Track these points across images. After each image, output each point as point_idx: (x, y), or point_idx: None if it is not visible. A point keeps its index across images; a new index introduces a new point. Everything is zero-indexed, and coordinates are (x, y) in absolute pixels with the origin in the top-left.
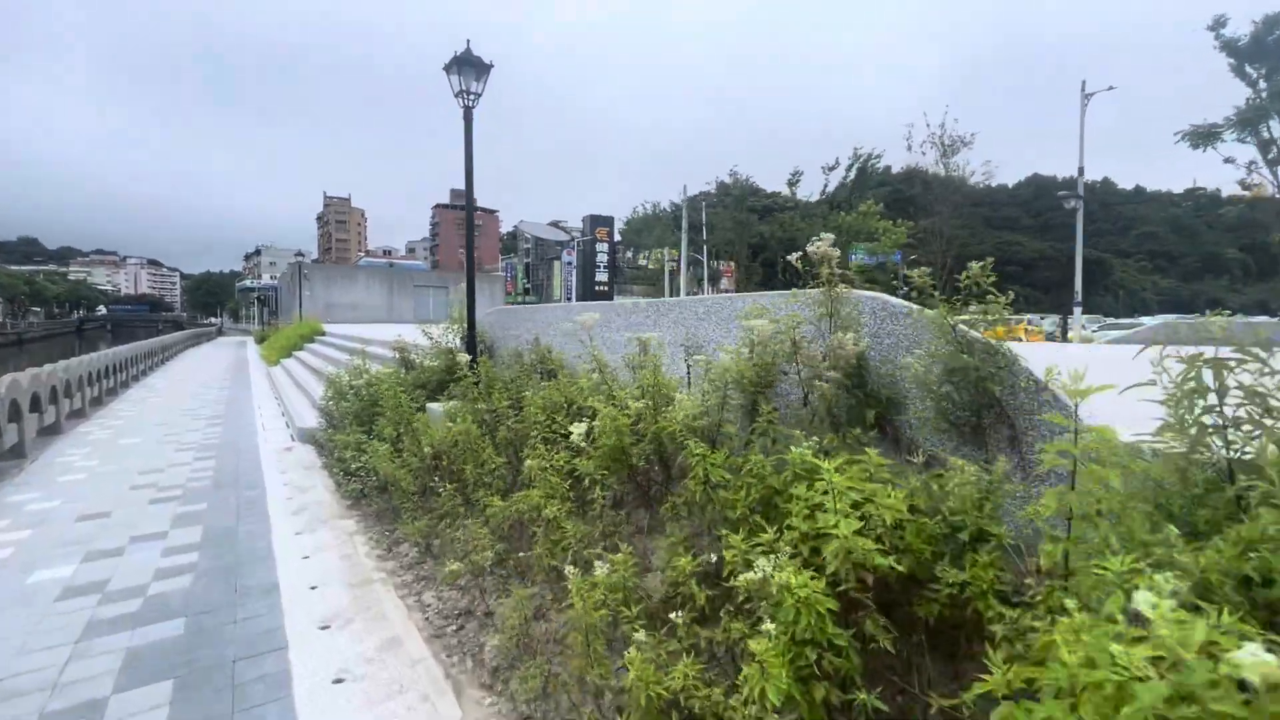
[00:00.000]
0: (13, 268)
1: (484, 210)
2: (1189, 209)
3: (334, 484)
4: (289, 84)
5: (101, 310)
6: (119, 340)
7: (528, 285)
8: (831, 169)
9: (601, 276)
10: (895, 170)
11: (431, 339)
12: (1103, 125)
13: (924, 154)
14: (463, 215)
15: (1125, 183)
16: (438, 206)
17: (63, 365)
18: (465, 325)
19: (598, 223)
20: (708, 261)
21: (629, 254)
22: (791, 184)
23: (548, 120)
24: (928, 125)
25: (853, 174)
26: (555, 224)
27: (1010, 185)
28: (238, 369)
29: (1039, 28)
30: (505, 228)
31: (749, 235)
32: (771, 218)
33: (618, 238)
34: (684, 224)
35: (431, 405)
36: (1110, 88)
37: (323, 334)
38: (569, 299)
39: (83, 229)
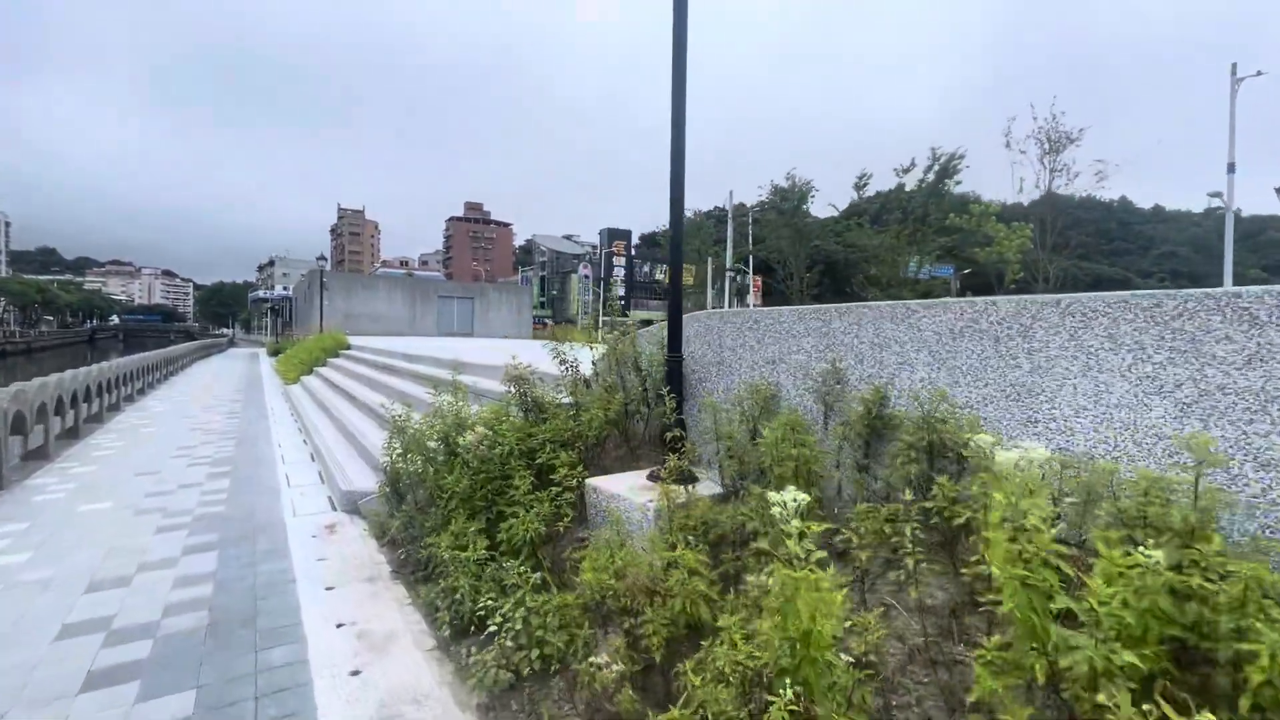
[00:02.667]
0: (28, 276)
1: (497, 223)
2: (1209, 228)
3: (427, 625)
4: (309, 97)
5: (114, 320)
6: (130, 350)
7: (542, 300)
8: (907, 170)
9: (618, 291)
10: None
11: (566, 364)
12: (1122, 144)
13: (1023, 152)
14: (476, 227)
15: (1143, 202)
16: (451, 219)
17: (14, 389)
18: (660, 346)
19: (615, 236)
20: (752, 274)
21: (645, 268)
22: (859, 187)
23: (565, 130)
24: (1034, 118)
25: (931, 175)
26: (569, 238)
27: (1025, 203)
28: (251, 387)
29: (1045, 44)
30: (517, 240)
31: (807, 245)
32: (837, 225)
33: (636, 243)
34: (729, 232)
35: (597, 481)
36: (1259, 72)
37: (347, 348)
38: (586, 314)
39: (100, 239)
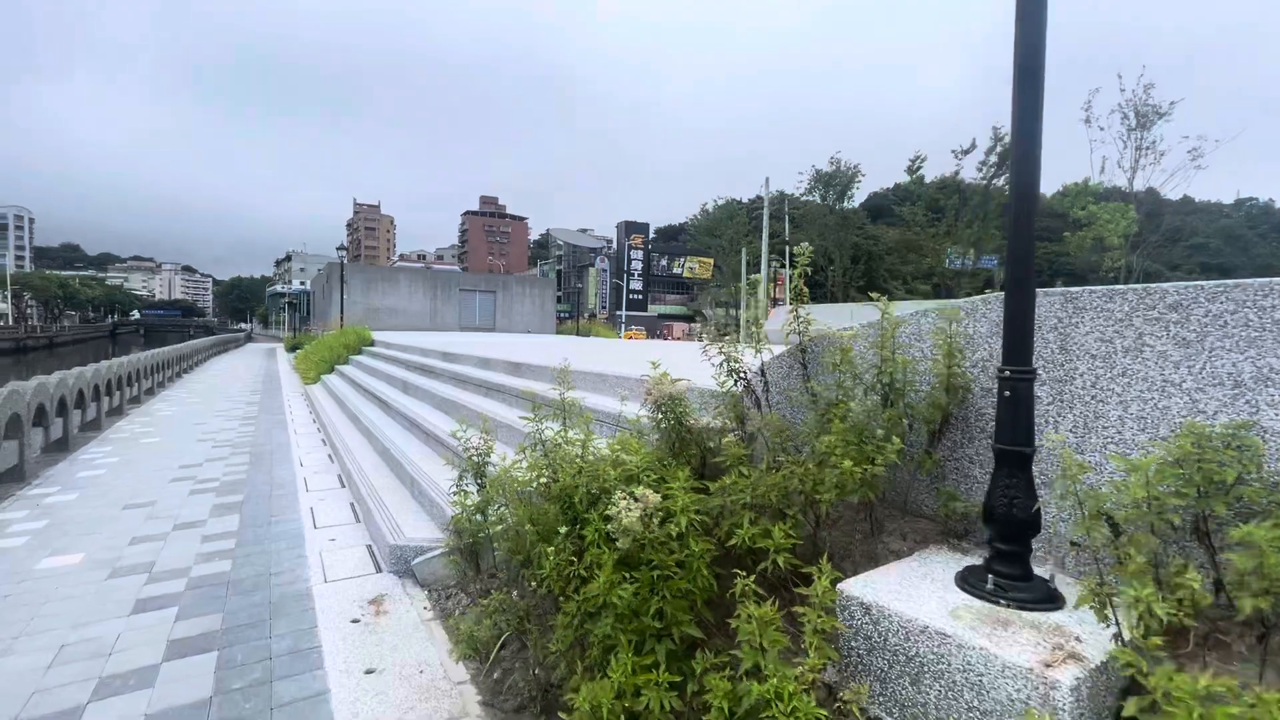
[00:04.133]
0: (50, 272)
1: (513, 217)
2: (1240, 219)
3: None
4: (328, 92)
5: (135, 315)
6: (151, 344)
7: (559, 294)
8: (966, 152)
9: (636, 284)
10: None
11: (737, 367)
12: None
13: (1102, 129)
14: (491, 221)
15: (1172, 193)
16: (467, 214)
17: None
18: (944, 350)
19: (633, 229)
20: (790, 268)
21: (663, 262)
22: (912, 171)
23: (582, 123)
24: (1122, 89)
25: (994, 157)
26: (584, 231)
27: (1048, 195)
28: (268, 388)
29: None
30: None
31: (852, 234)
32: (885, 211)
33: (652, 237)
34: (765, 221)
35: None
36: None
37: (371, 344)
38: (604, 308)
39: (122, 235)
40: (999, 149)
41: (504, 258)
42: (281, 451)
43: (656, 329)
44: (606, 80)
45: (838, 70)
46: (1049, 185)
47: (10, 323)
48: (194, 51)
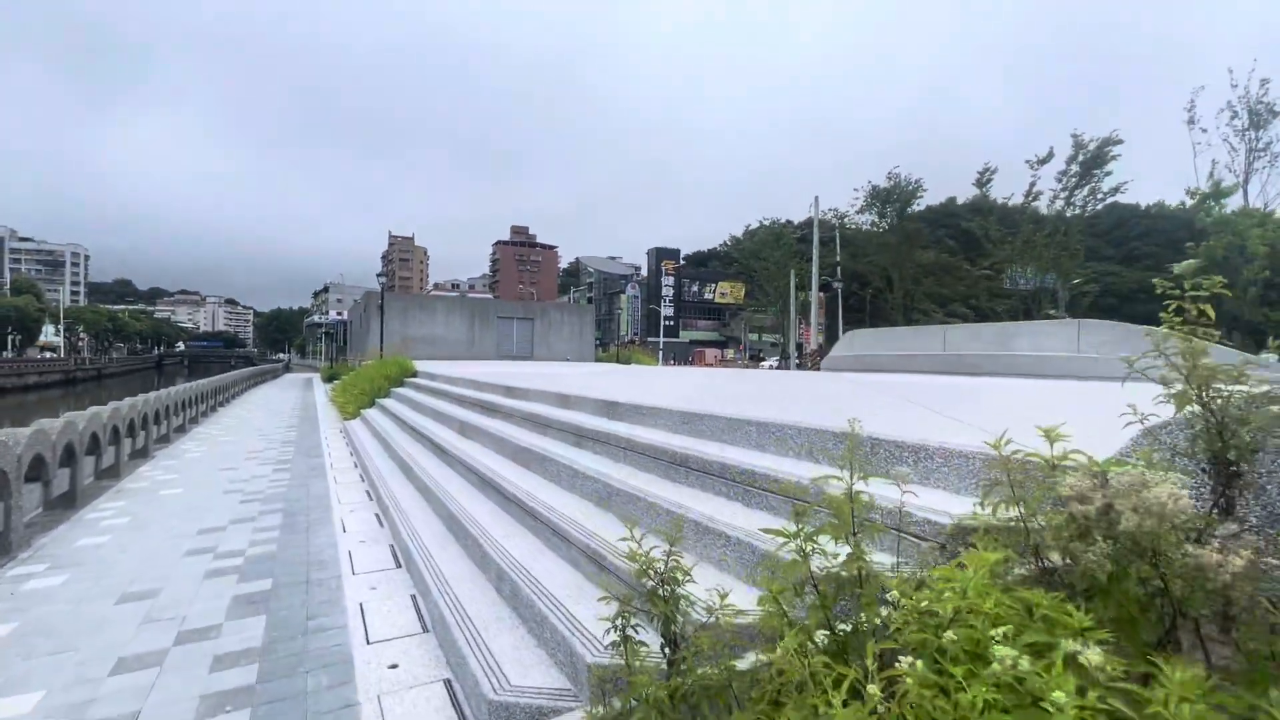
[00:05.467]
0: (101, 306)
1: (543, 246)
2: None
3: None
4: (368, 128)
5: (180, 346)
6: (195, 375)
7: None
8: (1042, 161)
9: (668, 310)
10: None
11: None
12: (1183, 147)
13: (1204, 130)
14: (522, 250)
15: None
16: (498, 243)
17: None
18: None
19: (663, 255)
20: (842, 293)
21: (694, 288)
22: (981, 184)
23: (608, 154)
24: (1233, 84)
25: (1075, 166)
26: (613, 259)
27: (1169, 204)
28: (304, 422)
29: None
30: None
31: (914, 253)
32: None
33: (681, 264)
34: (815, 241)
35: None
36: None
37: (414, 374)
38: (636, 334)
39: (171, 270)
40: (1081, 158)
41: (534, 285)
42: (319, 508)
43: (688, 355)
44: (635, 112)
45: (874, 86)
46: (1151, 192)
47: (62, 355)
48: (249, 93)
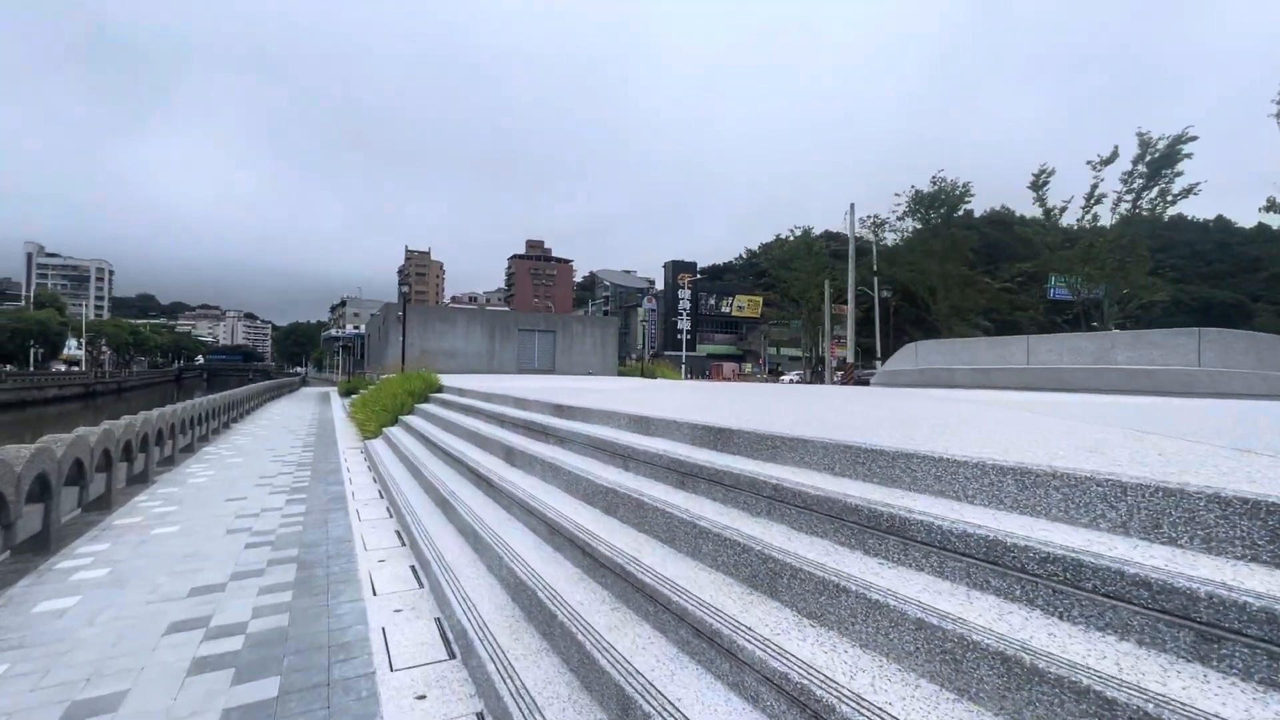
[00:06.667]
0: (123, 320)
1: (558, 260)
2: None
3: None
4: (388, 145)
5: (200, 359)
6: (214, 388)
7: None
8: (1106, 162)
9: (684, 324)
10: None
11: None
12: (1213, 160)
13: None
14: (537, 264)
15: (1246, 220)
16: (513, 257)
17: None
18: None
19: (680, 268)
20: (878, 304)
21: (710, 301)
22: (1038, 187)
23: (624, 170)
24: None
25: (1141, 166)
26: (628, 272)
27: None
28: (322, 442)
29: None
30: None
31: (962, 260)
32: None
33: (698, 277)
34: (851, 251)
35: None
36: None
37: (439, 389)
38: (653, 348)
39: (192, 285)
40: (1149, 157)
41: (549, 299)
42: (342, 556)
43: (705, 369)
44: (651, 123)
45: (898, 103)
46: (1234, 195)
47: (84, 368)
48: (276, 113)
